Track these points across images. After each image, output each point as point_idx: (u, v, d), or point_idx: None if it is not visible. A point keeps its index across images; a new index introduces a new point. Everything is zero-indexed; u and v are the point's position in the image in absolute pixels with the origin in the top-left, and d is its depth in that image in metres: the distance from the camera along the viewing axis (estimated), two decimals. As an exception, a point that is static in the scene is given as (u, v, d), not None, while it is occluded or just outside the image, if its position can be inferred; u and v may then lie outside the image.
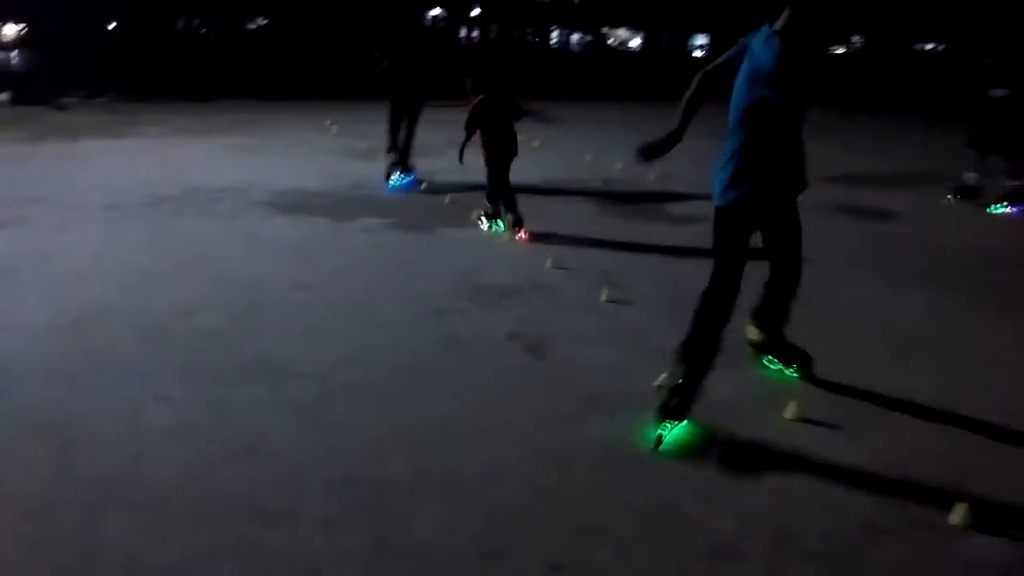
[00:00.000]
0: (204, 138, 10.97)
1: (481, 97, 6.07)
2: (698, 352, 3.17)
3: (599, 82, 28.95)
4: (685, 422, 3.11)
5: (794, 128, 3.18)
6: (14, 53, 53.44)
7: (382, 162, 8.22)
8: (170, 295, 4.56)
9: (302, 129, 12.46)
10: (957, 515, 2.60)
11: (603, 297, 4.66)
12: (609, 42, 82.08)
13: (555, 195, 7.80)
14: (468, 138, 6.08)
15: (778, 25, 3.11)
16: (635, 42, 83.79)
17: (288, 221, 6.47)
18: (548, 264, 5.31)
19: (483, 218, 6.34)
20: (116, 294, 4.53)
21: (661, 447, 2.98)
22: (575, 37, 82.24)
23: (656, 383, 3.32)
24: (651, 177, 8.21)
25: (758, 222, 3.30)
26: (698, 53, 79.29)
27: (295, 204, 7.05)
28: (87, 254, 5.34)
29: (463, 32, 73.04)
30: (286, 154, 9.86)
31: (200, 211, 6.69)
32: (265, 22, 70.57)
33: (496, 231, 6.27)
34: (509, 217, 6.14)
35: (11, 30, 70.06)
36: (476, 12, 72.82)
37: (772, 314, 3.51)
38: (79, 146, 9.92)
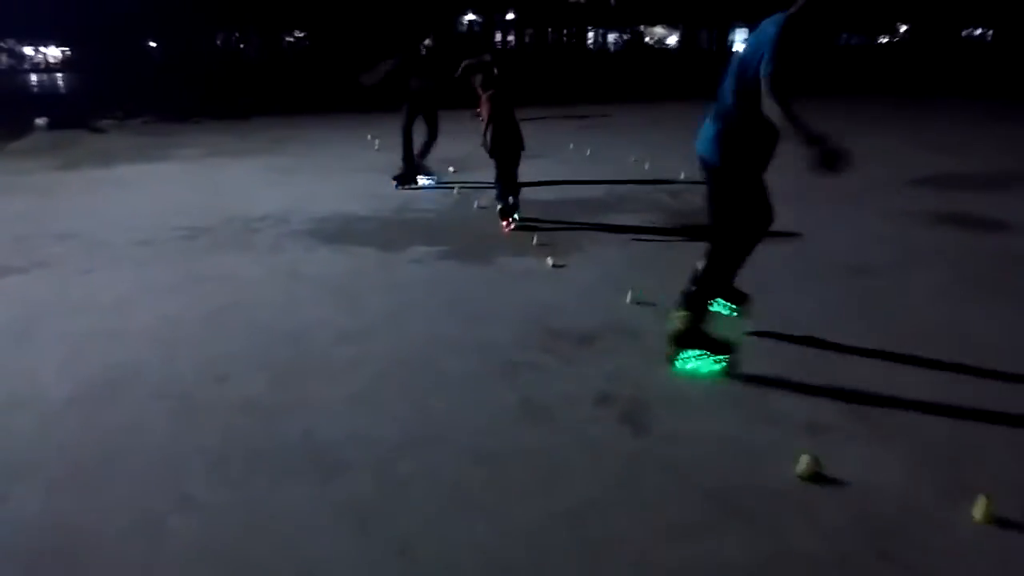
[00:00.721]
0: (242, 159, 10.53)
1: (492, 92, 6.33)
2: (706, 298, 3.69)
3: (641, 82, 28.14)
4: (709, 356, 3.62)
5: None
6: (59, 75, 54.63)
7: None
8: (202, 353, 3.99)
9: (344, 145, 11.98)
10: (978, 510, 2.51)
11: (700, 343, 3.96)
12: (647, 40, 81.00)
13: (619, 211, 7.11)
14: (487, 128, 6.30)
15: (792, 10, 3.20)
16: (672, 39, 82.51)
17: (332, 253, 5.90)
18: (628, 299, 4.63)
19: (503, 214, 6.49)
20: (142, 354, 3.98)
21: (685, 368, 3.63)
22: (612, 37, 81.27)
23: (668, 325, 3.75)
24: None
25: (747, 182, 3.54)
26: (739, 47, 77.64)
27: (339, 232, 6.48)
28: (114, 301, 4.83)
29: (498, 36, 72.71)
30: (328, 174, 9.35)
31: (236, 244, 6.16)
32: (303, 35, 71.20)
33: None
34: (500, 204, 6.48)
35: (55, 52, 71.86)
36: (511, 16, 72.46)
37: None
38: (113, 173, 9.53)
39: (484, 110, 6.37)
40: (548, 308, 4.57)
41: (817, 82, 6.47)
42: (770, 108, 3.03)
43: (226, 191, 8.25)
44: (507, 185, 6.46)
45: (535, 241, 6.03)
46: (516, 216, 6.52)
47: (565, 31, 74.19)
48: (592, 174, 8.89)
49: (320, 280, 5.22)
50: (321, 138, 12.92)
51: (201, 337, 4.23)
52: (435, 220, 6.94)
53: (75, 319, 4.54)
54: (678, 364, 3.65)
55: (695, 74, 32.88)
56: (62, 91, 35.00)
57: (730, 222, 3.58)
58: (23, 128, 14.13)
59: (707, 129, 3.57)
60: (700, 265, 3.65)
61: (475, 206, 7.33)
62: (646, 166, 9.33)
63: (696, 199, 7.52)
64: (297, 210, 7.29)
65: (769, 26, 3.18)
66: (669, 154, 9.62)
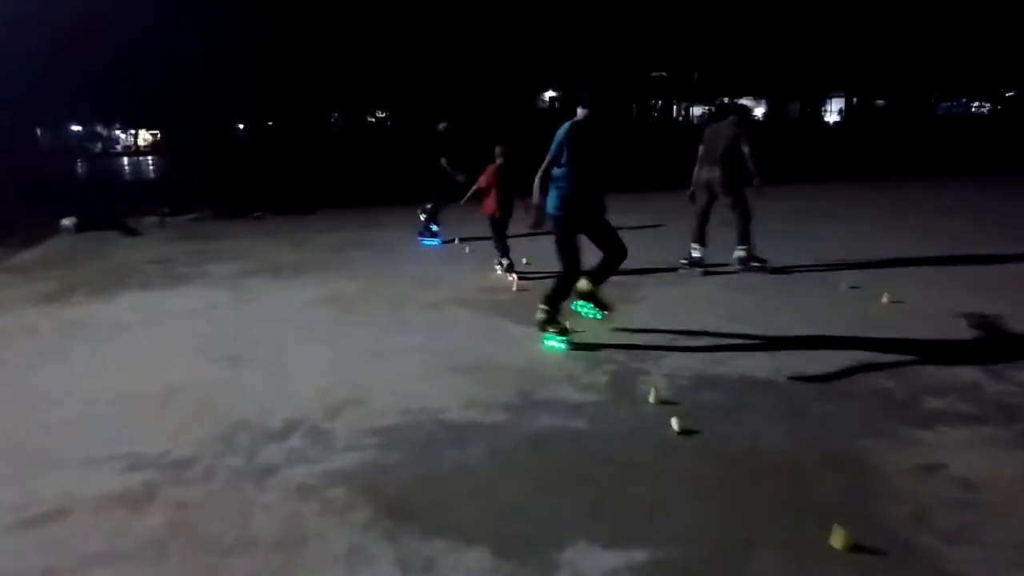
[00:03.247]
0: (288, 283, 7.70)
1: (502, 162, 7.63)
2: (559, 298, 5.23)
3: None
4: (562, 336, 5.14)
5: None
6: (148, 159, 55.26)
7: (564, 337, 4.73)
8: None
9: (434, 248, 9.13)
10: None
11: None
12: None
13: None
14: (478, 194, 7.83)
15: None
16: (759, 111, 79.19)
17: (413, 542, 2.78)
18: None
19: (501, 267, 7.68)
20: None
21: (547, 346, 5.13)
22: (696, 111, 78.63)
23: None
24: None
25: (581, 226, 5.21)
26: (833, 118, 73.74)
27: (423, 479, 3.37)
28: None
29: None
30: (400, 310, 6.37)
31: (232, 506, 3.14)
32: (384, 115, 71.17)
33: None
34: (503, 262, 7.65)
35: (145, 136, 73.90)
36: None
37: (598, 276, 5.43)
38: (107, 310, 6.78)
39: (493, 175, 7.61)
40: None
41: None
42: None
43: (247, 353, 5.34)
44: (503, 243, 7.70)
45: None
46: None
47: (653, 105, 72.04)
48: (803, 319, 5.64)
49: None
50: (395, 242, 10.11)
51: None
52: (589, 435, 3.79)
53: None
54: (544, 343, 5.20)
55: (783, 149, 29.49)
56: (126, 177, 34.17)
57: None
58: (47, 230, 11.86)
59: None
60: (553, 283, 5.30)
61: (651, 397, 4.16)
62: (842, 287, 6.03)
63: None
64: (346, 405, 4.26)
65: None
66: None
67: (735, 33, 57.32)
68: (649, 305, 6.32)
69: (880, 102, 69.26)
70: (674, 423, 3.81)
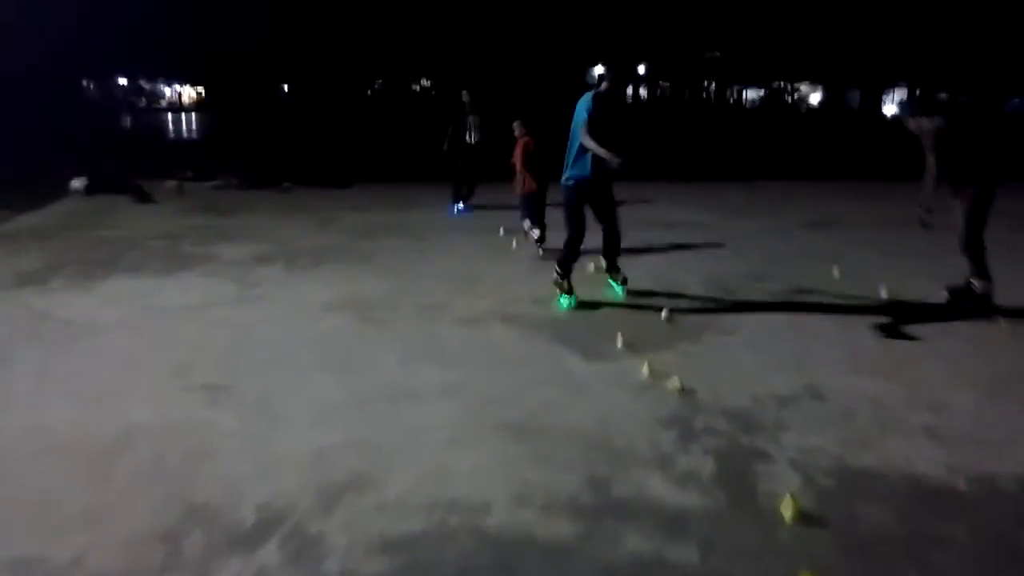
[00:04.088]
0: (301, 278, 6.50)
1: (529, 139, 7.53)
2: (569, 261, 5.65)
3: (779, 148, 23.15)
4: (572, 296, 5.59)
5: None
6: (191, 116, 54.68)
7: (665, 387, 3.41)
8: None
9: (464, 244, 7.89)
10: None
11: None
12: (788, 99, 74.65)
13: None
14: (525, 178, 7.46)
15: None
16: (815, 97, 75.85)
17: None
18: None
19: (540, 247, 7.35)
20: None
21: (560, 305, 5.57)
22: (752, 94, 75.69)
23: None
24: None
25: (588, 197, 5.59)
26: (891, 110, 70.10)
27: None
28: None
29: (630, 90, 68.57)
30: (432, 323, 5.13)
31: None
32: (428, 84, 69.61)
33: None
34: (535, 231, 7.40)
35: (191, 92, 73.43)
36: (642, 69, 68.20)
37: (608, 254, 5.89)
38: (78, 305, 5.63)
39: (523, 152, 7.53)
40: None
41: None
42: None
43: (233, 380, 4.16)
44: (541, 215, 7.49)
45: None
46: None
47: (705, 87, 69.49)
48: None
49: None
50: (431, 227, 8.88)
51: None
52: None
53: None
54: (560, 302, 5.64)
55: (838, 141, 27.50)
56: (163, 135, 33.41)
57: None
58: (56, 190, 10.84)
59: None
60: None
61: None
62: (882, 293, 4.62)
63: None
64: (349, 488, 3.05)
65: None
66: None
67: (794, 12, 54.51)
68: (744, 338, 5.00)
69: (942, 95, 65.78)
70: None
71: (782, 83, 74.95)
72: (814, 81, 75.07)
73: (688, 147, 23.85)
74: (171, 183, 11.89)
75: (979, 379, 4.29)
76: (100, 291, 5.96)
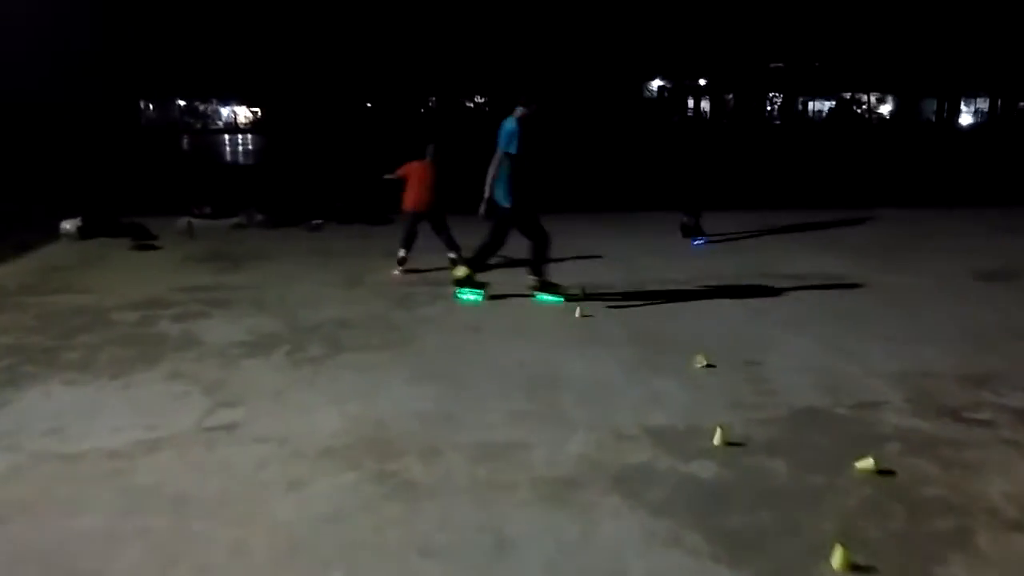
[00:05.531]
0: (303, 385, 4.46)
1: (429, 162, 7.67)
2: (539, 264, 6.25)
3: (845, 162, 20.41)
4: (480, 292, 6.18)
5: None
6: (245, 137, 54.08)
7: None
8: None
9: (540, 307, 5.81)
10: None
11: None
12: (859, 109, 70.61)
13: None
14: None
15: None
16: (885, 108, 71.67)
17: None
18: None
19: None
20: None
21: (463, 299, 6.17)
22: (822, 105, 72.09)
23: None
24: None
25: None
26: (967, 120, 65.62)
27: None
28: None
29: (691, 103, 65.73)
30: (502, 519, 2.97)
31: None
32: (483, 100, 67.94)
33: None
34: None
35: (245, 113, 73.29)
36: (702, 81, 65.25)
37: (534, 263, 6.31)
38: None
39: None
40: None
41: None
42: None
43: None
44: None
45: None
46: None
47: (770, 99, 66.34)
48: None
49: None
50: (490, 288, 6.80)
51: None
52: None
53: None
54: (459, 295, 6.29)
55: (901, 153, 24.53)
56: (205, 159, 32.22)
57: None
58: (45, 235, 9.16)
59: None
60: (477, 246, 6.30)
61: None
62: None
63: None
64: None
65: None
66: None
67: (862, 19, 51.26)
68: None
69: (1024, 104, 61.21)
70: None
71: (851, 93, 71.24)
72: (885, 91, 71.20)
73: (769, 168, 21.42)
74: (183, 220, 10.12)
75: None
76: (7, 413, 4.04)
